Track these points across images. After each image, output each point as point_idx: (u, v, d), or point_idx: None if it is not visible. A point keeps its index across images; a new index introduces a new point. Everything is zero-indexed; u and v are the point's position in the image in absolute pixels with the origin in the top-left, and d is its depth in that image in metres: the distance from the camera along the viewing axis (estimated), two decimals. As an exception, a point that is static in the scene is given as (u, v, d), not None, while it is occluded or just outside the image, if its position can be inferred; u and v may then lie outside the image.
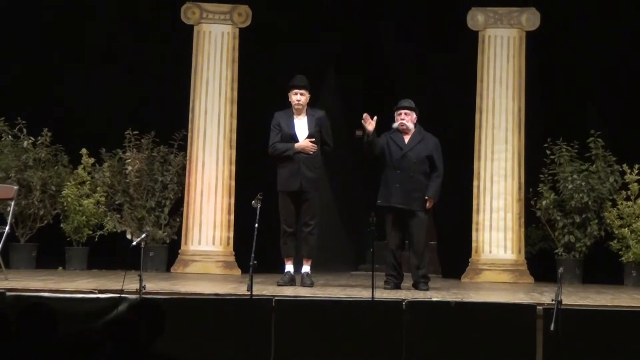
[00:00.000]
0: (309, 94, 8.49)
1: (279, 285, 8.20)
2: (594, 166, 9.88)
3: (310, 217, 8.36)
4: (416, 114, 8.46)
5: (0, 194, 9.12)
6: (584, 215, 9.82)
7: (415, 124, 8.44)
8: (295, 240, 8.42)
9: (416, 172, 8.30)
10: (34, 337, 4.18)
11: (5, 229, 8.46)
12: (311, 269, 8.46)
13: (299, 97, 8.40)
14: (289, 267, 8.40)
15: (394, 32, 10.45)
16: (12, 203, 8.85)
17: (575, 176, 9.81)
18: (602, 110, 10.09)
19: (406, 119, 8.41)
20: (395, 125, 8.45)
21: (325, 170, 9.00)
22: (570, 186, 9.80)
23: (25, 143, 9.99)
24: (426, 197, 8.28)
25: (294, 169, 8.33)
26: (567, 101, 10.03)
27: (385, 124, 8.65)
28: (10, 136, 10.00)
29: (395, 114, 8.47)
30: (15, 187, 9.00)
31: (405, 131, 8.41)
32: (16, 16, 10.27)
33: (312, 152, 8.31)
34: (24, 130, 10.00)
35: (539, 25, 10.04)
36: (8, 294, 7.07)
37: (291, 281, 8.31)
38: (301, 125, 8.41)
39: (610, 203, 9.84)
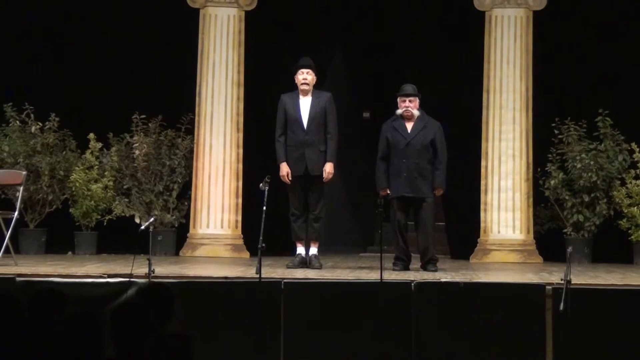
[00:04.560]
0: (315, 75, 8.48)
1: (288, 267, 8.21)
2: (603, 145, 9.85)
3: (315, 202, 8.37)
4: (419, 99, 8.42)
5: (9, 179, 9.14)
6: (592, 195, 9.80)
7: (418, 110, 8.41)
8: (305, 223, 8.44)
9: (421, 159, 8.27)
10: (44, 321, 4.19)
11: (14, 214, 8.48)
12: (320, 251, 8.48)
13: (305, 76, 8.39)
14: (300, 250, 8.42)
15: (400, 13, 10.41)
16: (21, 188, 8.87)
17: (583, 155, 9.78)
18: (610, 89, 10.04)
19: (410, 106, 8.36)
20: (399, 112, 8.41)
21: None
22: (578, 165, 9.78)
23: (33, 128, 10.00)
24: (435, 188, 8.26)
25: (299, 153, 8.34)
26: (575, 80, 9.98)
27: (390, 106, 8.62)
28: (18, 122, 10.02)
29: (399, 100, 8.42)
30: (24, 173, 9.02)
31: (409, 117, 8.38)
32: (22, 1, 10.27)
33: (287, 183, 8.32)
34: (32, 115, 10.01)
35: (546, 5, 9.98)
36: (18, 279, 7.10)
37: (301, 264, 8.33)
38: (306, 107, 8.40)
39: (619, 182, 9.82)
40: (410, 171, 8.24)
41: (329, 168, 8.35)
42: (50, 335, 4.08)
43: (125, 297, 6.78)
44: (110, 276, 7.26)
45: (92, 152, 10.05)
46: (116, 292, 6.93)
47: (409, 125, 8.36)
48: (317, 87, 8.55)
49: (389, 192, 8.31)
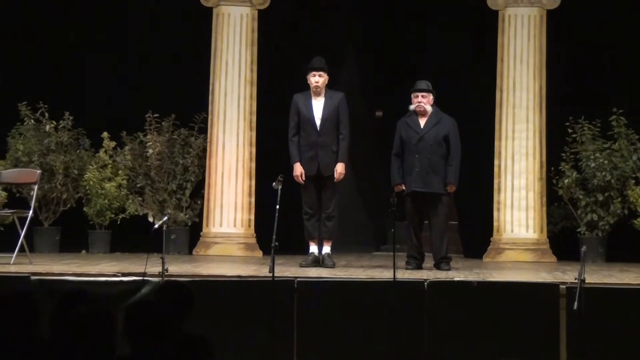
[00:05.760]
0: (328, 75, 8.47)
1: (301, 266, 8.22)
2: (617, 144, 9.82)
3: (328, 200, 8.38)
4: (433, 96, 8.42)
5: (23, 178, 9.18)
6: (606, 194, 9.77)
7: (432, 106, 8.40)
8: (317, 221, 8.44)
9: (434, 154, 8.27)
10: (57, 319, 4.21)
11: (29, 213, 8.51)
12: (332, 250, 8.49)
13: (317, 78, 8.39)
14: (313, 248, 8.43)
15: (413, 12, 10.40)
16: (36, 187, 8.91)
17: (597, 154, 9.76)
18: (624, 88, 10.01)
19: (423, 102, 8.36)
20: (412, 107, 8.41)
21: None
22: (592, 164, 9.75)
23: (47, 127, 10.05)
24: (447, 183, 8.26)
25: (312, 154, 8.36)
26: (589, 79, 9.95)
27: (403, 105, 8.61)
28: (32, 120, 10.06)
29: (412, 95, 8.43)
30: (38, 171, 9.05)
31: (422, 113, 8.37)
32: (37, 1, 10.31)
33: (301, 183, 8.34)
34: (46, 114, 10.05)
35: (560, 4, 9.95)
36: (32, 277, 7.13)
37: (314, 262, 8.34)
38: (319, 107, 8.40)
39: (633, 181, 9.79)
40: (423, 166, 8.24)
41: (340, 168, 8.36)
42: (64, 333, 4.09)
43: (140, 295, 6.79)
44: (124, 275, 7.28)
45: (105, 151, 10.08)
46: (130, 291, 6.95)
47: (422, 121, 8.36)
48: (330, 86, 8.55)
49: (403, 187, 8.31)
